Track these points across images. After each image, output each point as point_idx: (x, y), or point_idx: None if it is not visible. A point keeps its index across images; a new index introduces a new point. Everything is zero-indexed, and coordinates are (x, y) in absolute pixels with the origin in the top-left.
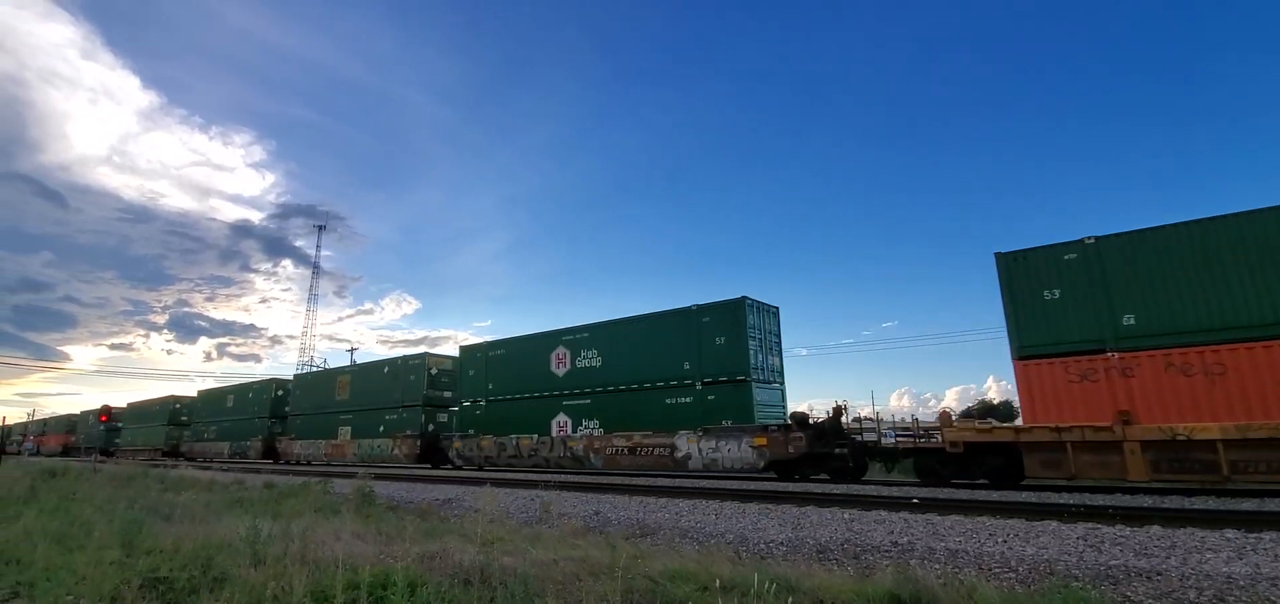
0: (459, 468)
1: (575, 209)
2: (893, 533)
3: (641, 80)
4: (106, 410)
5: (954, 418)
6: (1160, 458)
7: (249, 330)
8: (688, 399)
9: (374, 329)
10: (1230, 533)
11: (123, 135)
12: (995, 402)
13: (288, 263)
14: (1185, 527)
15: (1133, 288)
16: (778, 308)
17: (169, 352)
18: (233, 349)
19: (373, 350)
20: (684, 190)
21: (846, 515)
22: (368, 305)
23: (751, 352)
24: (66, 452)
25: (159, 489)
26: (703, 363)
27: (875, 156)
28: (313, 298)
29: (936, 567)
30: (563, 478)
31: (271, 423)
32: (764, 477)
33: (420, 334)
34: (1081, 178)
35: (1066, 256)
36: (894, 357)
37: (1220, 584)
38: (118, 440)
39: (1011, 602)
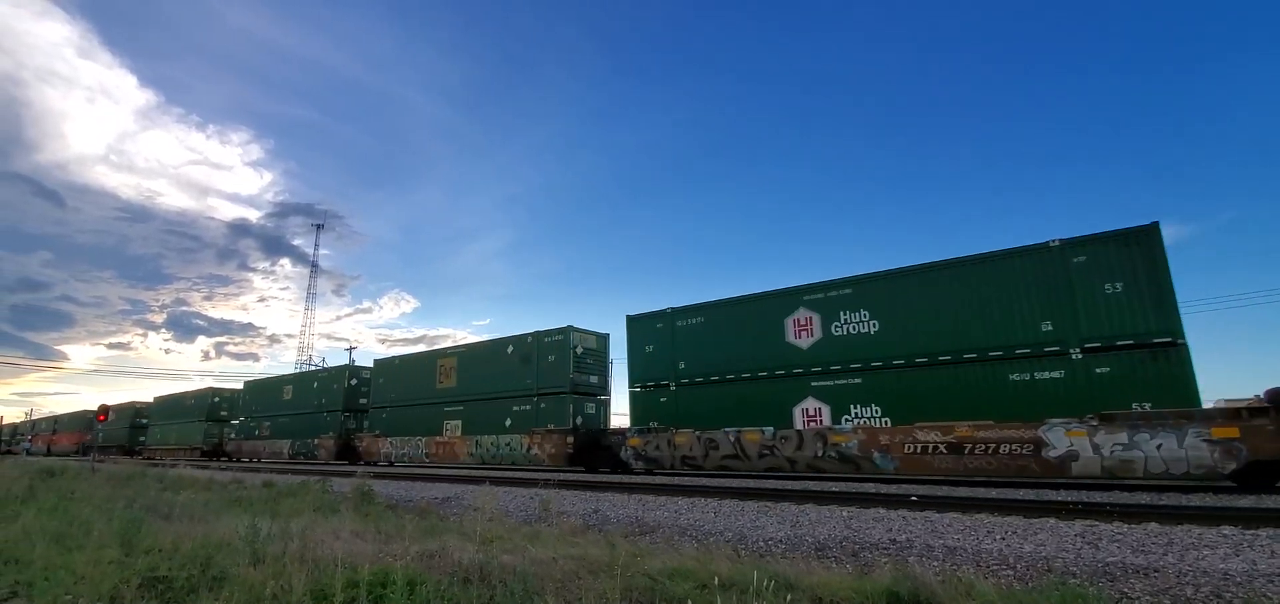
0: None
1: (576, 207)
2: (891, 530)
3: (642, 79)
4: (104, 410)
5: None
6: None
7: (247, 329)
8: (1057, 372)
9: (372, 328)
10: (1227, 529)
11: (120, 134)
12: None
13: (286, 262)
14: (1182, 523)
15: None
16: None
17: (166, 351)
18: (231, 348)
19: (372, 349)
20: (685, 187)
21: (845, 513)
22: (366, 304)
23: (1166, 303)
24: (84, 451)
25: (158, 488)
26: (1079, 321)
27: (875, 157)
28: (311, 297)
29: (935, 564)
30: (563, 477)
31: (345, 416)
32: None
33: (418, 333)
34: (1082, 178)
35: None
36: None
37: (1217, 581)
38: (143, 439)
39: (1009, 599)
